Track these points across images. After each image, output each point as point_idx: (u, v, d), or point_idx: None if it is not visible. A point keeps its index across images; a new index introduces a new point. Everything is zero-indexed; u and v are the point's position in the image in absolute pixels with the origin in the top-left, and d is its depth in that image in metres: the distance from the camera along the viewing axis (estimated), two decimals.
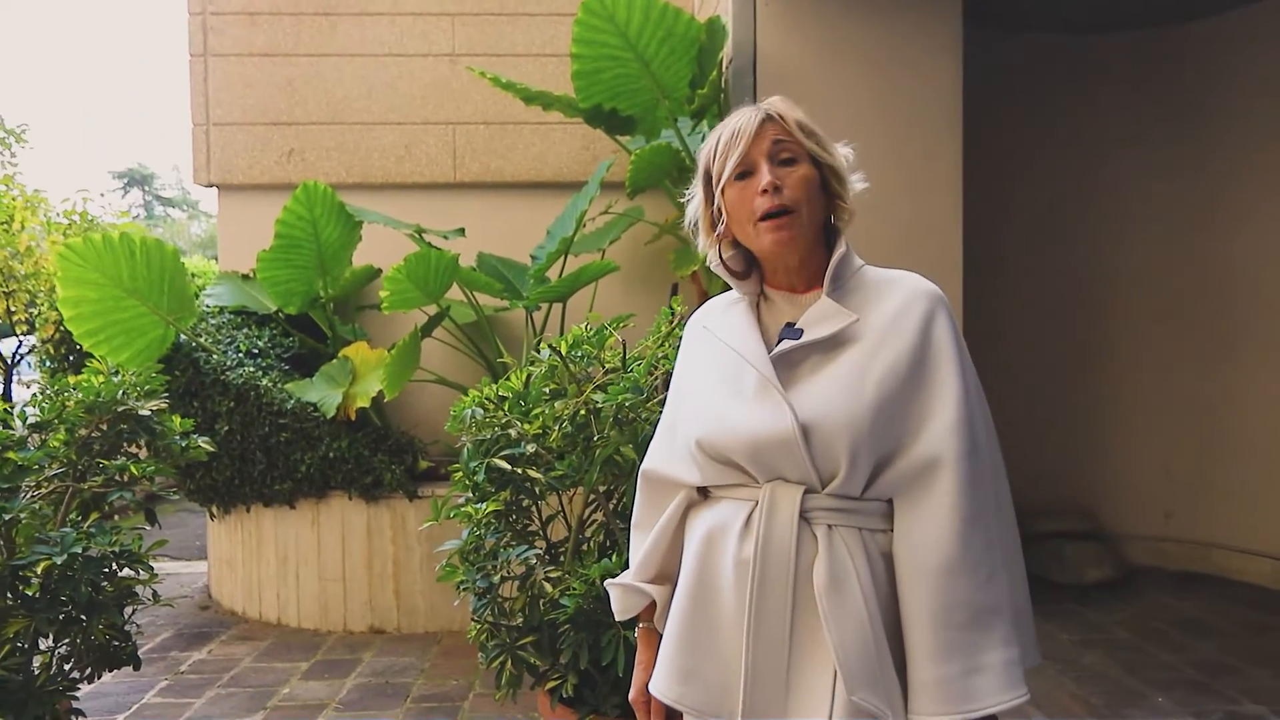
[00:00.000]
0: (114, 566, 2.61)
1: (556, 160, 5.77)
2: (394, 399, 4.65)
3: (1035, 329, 5.61)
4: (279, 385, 4.54)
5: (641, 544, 1.60)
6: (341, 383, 4.51)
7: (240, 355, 4.71)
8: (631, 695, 1.60)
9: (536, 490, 2.61)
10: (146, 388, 2.84)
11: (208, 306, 5.09)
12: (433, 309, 4.74)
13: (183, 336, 4.67)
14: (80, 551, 2.44)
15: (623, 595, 1.61)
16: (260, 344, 4.91)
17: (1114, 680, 3.80)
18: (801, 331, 1.42)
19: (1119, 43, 5.50)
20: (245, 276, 5.57)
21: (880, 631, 1.35)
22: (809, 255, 1.46)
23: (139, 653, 2.77)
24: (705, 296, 5.08)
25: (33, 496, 2.62)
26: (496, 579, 2.40)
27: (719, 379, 1.47)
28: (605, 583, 1.66)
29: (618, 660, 2.29)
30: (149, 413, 2.76)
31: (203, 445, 2.87)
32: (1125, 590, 5.04)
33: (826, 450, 1.35)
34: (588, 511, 2.66)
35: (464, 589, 2.52)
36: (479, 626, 2.61)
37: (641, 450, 2.36)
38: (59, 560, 2.36)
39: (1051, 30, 5.52)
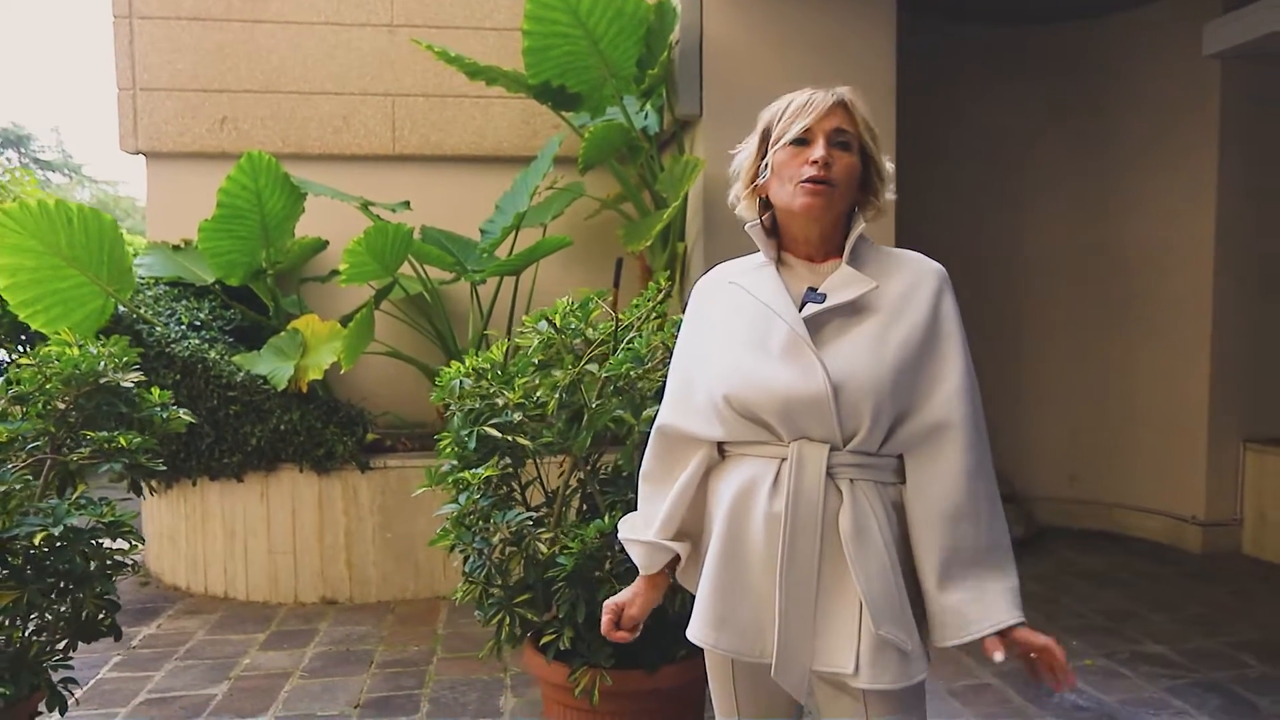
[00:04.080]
0: (99, 539, 2.61)
1: (496, 134, 5.80)
2: (336, 372, 4.67)
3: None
4: (226, 358, 4.50)
5: (654, 496, 1.71)
6: (292, 355, 4.50)
7: (183, 328, 4.64)
8: (610, 600, 1.73)
9: (524, 457, 2.73)
10: (124, 359, 2.83)
11: (141, 278, 4.98)
12: (378, 281, 4.75)
13: (121, 308, 4.57)
14: (72, 523, 2.45)
15: (650, 551, 1.69)
16: (202, 316, 4.84)
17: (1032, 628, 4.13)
18: (825, 296, 1.54)
19: (1033, 34, 5.84)
20: (176, 247, 5.46)
21: (899, 572, 1.52)
22: (830, 231, 1.60)
23: None
24: (649, 273, 5.22)
25: (13, 468, 2.60)
26: (495, 539, 2.51)
27: (743, 336, 1.57)
28: (625, 538, 1.75)
29: None
30: (130, 385, 2.76)
31: (183, 417, 2.89)
32: (1036, 548, 5.45)
33: (853, 409, 1.48)
34: (572, 477, 2.79)
35: (461, 552, 2.62)
36: (471, 587, 2.72)
37: (638, 415, 2.51)
38: (56, 531, 2.37)
39: (971, 20, 5.81)
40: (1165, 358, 5.55)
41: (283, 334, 4.65)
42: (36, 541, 2.37)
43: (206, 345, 4.54)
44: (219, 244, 4.70)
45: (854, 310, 1.53)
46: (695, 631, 1.60)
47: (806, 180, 1.52)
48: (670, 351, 2.58)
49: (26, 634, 2.53)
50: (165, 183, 5.65)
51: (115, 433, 2.62)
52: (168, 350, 4.41)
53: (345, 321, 4.86)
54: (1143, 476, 5.66)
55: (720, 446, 1.63)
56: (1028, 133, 5.91)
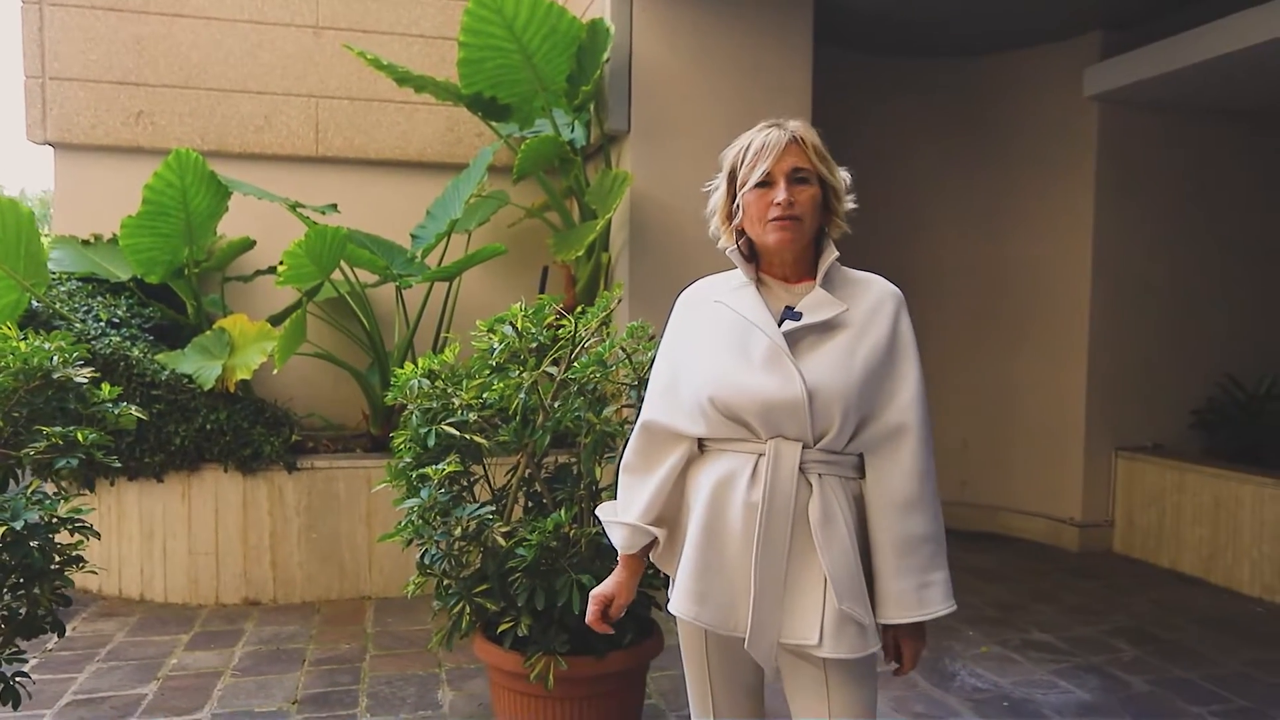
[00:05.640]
0: (53, 533, 2.61)
1: (420, 140, 5.86)
2: (260, 373, 4.65)
3: None
4: (149, 356, 4.44)
5: (637, 486, 1.86)
6: (218, 354, 4.47)
7: (102, 324, 4.55)
8: (595, 591, 1.90)
9: (480, 455, 2.86)
10: (73, 355, 2.83)
11: (52, 272, 4.85)
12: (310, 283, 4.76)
13: (36, 303, 4.46)
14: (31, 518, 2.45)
15: (631, 533, 1.84)
16: (120, 313, 4.75)
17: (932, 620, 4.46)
18: (801, 315, 1.74)
19: (926, 67, 6.26)
20: (86, 241, 5.33)
21: (858, 556, 1.72)
22: (801, 255, 1.80)
23: None
24: (573, 281, 5.37)
25: None
26: (458, 532, 2.62)
27: (726, 346, 1.75)
28: (605, 521, 1.90)
29: (573, 601, 2.59)
30: (84, 380, 2.77)
31: (134, 413, 2.89)
32: None
33: (824, 413, 1.68)
34: (526, 473, 2.93)
35: (421, 545, 2.72)
36: (424, 580, 2.82)
37: (598, 415, 2.68)
38: (19, 526, 2.37)
39: (867, 51, 6.18)
40: (1046, 372, 6.02)
41: (208, 333, 4.61)
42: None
43: (128, 343, 4.47)
44: (141, 241, 4.62)
45: (826, 328, 1.73)
46: (677, 605, 1.76)
47: (774, 219, 1.72)
48: (629, 356, 2.77)
49: None
50: (74, 175, 5.51)
51: (71, 428, 2.62)
52: (88, 347, 4.31)
53: (273, 322, 4.85)
54: (1025, 482, 6.13)
55: (700, 442, 1.80)
56: (918, 155, 6.33)
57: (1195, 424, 5.95)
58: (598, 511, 1.97)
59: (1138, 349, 5.85)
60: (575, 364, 2.66)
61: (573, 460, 3.01)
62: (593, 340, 2.84)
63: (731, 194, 1.79)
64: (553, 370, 2.71)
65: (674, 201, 4.88)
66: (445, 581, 2.75)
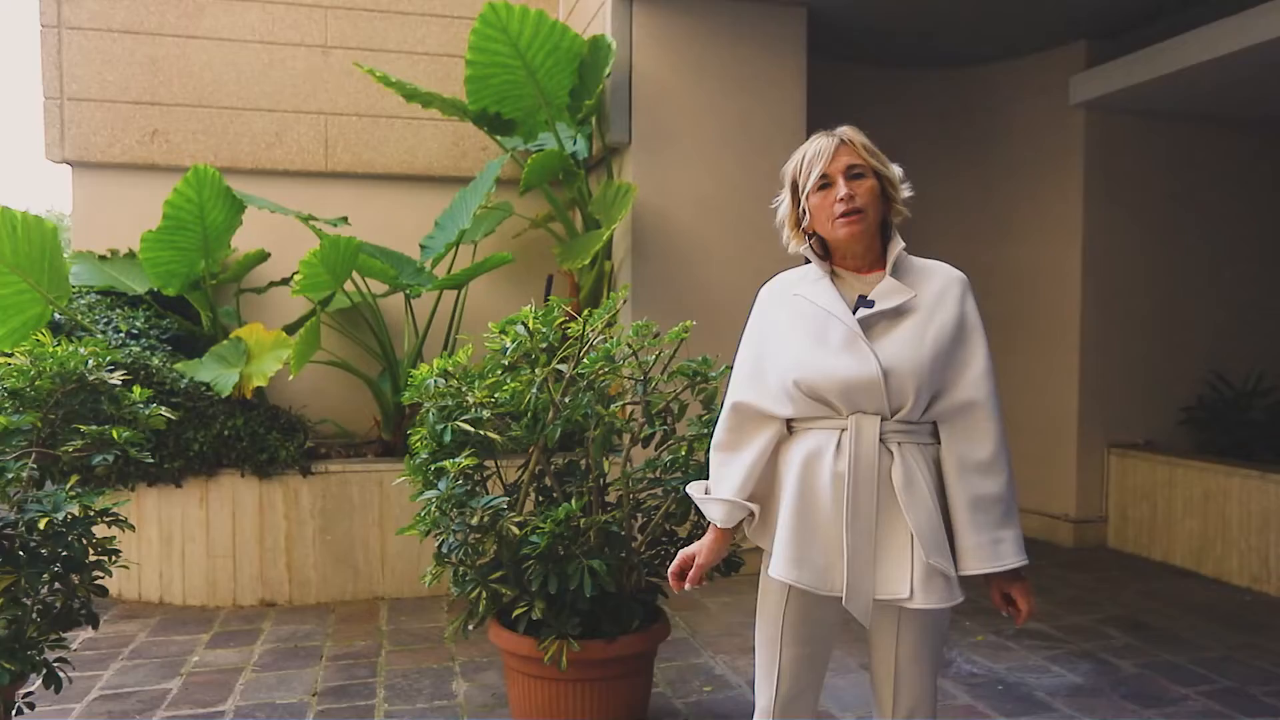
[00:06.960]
0: (91, 525, 2.76)
1: (426, 154, 6.03)
2: (272, 381, 4.80)
3: None
4: (168, 365, 4.59)
5: (729, 463, 2.02)
6: (235, 363, 4.62)
7: (121, 335, 4.70)
8: (685, 551, 2.07)
9: (493, 451, 3.00)
10: (105, 359, 2.98)
11: (73, 286, 5.01)
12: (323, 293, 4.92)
13: (59, 315, 4.61)
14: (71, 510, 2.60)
15: (730, 509, 2.00)
16: (139, 325, 4.91)
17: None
18: (874, 302, 1.92)
19: (923, 77, 6.44)
20: (103, 256, 5.49)
21: (939, 514, 1.87)
22: (870, 244, 1.97)
23: None
24: (576, 289, 5.53)
25: (12, 459, 2.72)
26: (474, 522, 2.77)
27: (807, 334, 1.93)
28: (699, 499, 2.05)
29: (584, 585, 2.73)
30: (118, 382, 2.92)
31: (163, 414, 3.04)
32: None
33: (899, 389, 1.85)
34: (537, 469, 3.08)
35: (438, 536, 2.87)
36: (440, 569, 2.97)
37: (606, 408, 2.83)
38: (59, 518, 2.52)
39: (865, 62, 6.37)
40: (1039, 372, 6.17)
41: (225, 342, 4.76)
42: (42, 526, 2.51)
43: (147, 353, 4.62)
44: (160, 254, 4.79)
45: (897, 313, 1.91)
46: (777, 570, 1.91)
47: (841, 216, 1.90)
48: (635, 352, 2.92)
49: (16, 617, 2.65)
50: (91, 193, 5.68)
51: (106, 427, 2.77)
52: (117, 353, 4.46)
53: (286, 332, 5.01)
54: (1021, 480, 6.21)
55: (788, 424, 1.97)
56: (911, 163, 6.41)
57: (1185, 420, 6.10)
58: (688, 489, 2.11)
59: (1128, 349, 6.00)
60: (584, 360, 2.81)
61: (581, 457, 3.16)
62: (599, 340, 3.00)
63: (796, 202, 1.99)
64: (562, 368, 2.86)
65: (674, 209, 5.04)
66: (462, 570, 2.89)
